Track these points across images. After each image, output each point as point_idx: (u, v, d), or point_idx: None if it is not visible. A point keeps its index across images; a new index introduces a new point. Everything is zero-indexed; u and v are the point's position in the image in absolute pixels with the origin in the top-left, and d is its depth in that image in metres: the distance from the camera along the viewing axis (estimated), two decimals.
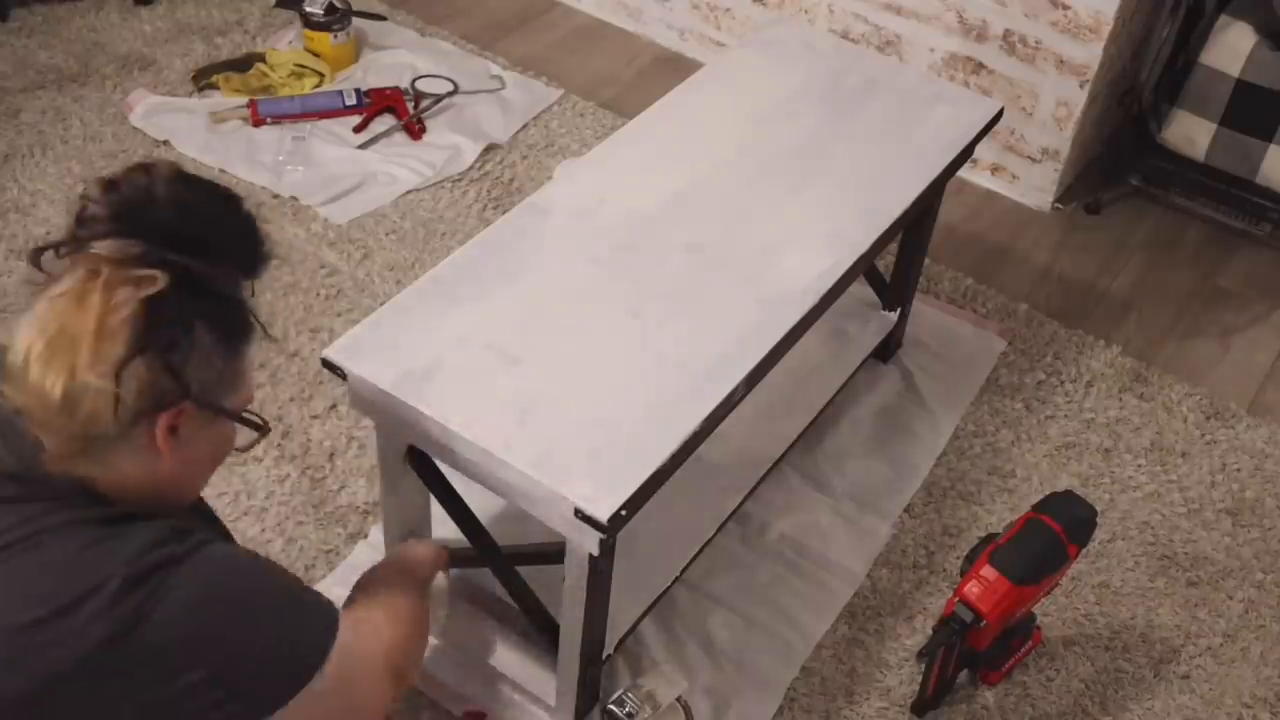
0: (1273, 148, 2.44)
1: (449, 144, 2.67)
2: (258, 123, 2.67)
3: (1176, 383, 2.31)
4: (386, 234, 2.46)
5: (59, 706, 1.06)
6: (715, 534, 1.86)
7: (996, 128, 2.21)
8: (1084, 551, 1.94)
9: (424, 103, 2.76)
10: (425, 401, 1.45)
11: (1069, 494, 1.75)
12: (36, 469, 1.12)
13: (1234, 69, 2.41)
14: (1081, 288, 2.52)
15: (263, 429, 1.22)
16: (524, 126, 2.75)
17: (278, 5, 3.01)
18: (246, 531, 1.93)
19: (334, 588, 1.86)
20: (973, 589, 1.66)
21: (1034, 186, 2.69)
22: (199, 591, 1.10)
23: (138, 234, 1.10)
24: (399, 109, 2.72)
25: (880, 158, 1.88)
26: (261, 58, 2.82)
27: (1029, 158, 2.65)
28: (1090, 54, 2.46)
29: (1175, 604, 1.97)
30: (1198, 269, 2.59)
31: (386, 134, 2.68)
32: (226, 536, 1.39)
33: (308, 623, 1.19)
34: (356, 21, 2.89)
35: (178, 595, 1.08)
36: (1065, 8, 2.43)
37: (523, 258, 1.65)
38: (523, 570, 1.69)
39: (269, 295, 2.31)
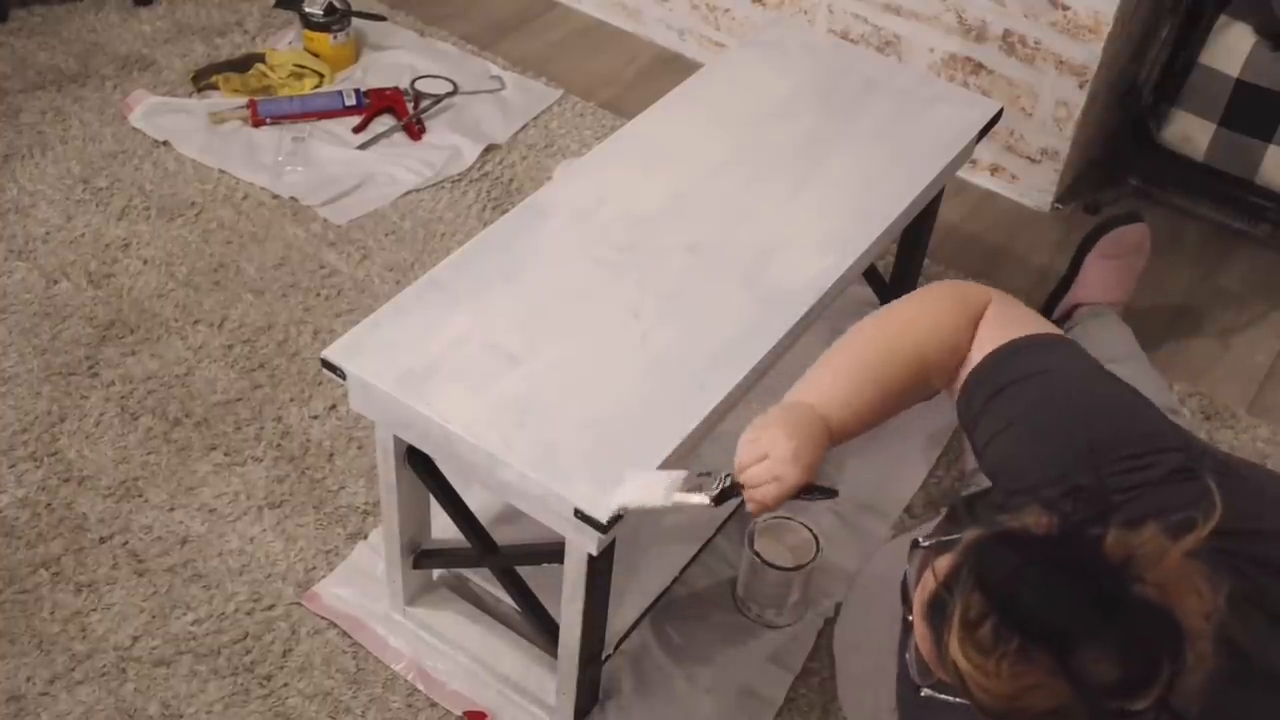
0: (1272, 148, 2.44)
1: (449, 144, 2.67)
2: (257, 123, 2.67)
3: (1176, 382, 2.31)
4: (386, 234, 2.46)
5: None
6: (715, 534, 1.86)
7: (996, 128, 2.21)
8: None
9: (424, 103, 2.76)
10: (425, 401, 1.45)
11: None
12: None
13: (1234, 69, 2.41)
14: None
15: None
16: (524, 127, 2.76)
17: (277, 5, 3.01)
18: (247, 531, 1.93)
19: (334, 587, 1.86)
20: None
21: (1034, 187, 2.68)
22: None
23: None
24: (399, 109, 2.72)
25: (879, 158, 1.88)
26: (261, 58, 2.82)
27: (1028, 158, 2.65)
28: (1090, 54, 2.46)
29: None
30: (1198, 269, 2.59)
31: (386, 134, 2.68)
32: None
33: None
34: (356, 22, 2.89)
35: None
36: (1065, 8, 2.43)
37: (522, 258, 1.65)
38: (523, 570, 1.69)
39: (269, 295, 2.31)
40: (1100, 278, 2.23)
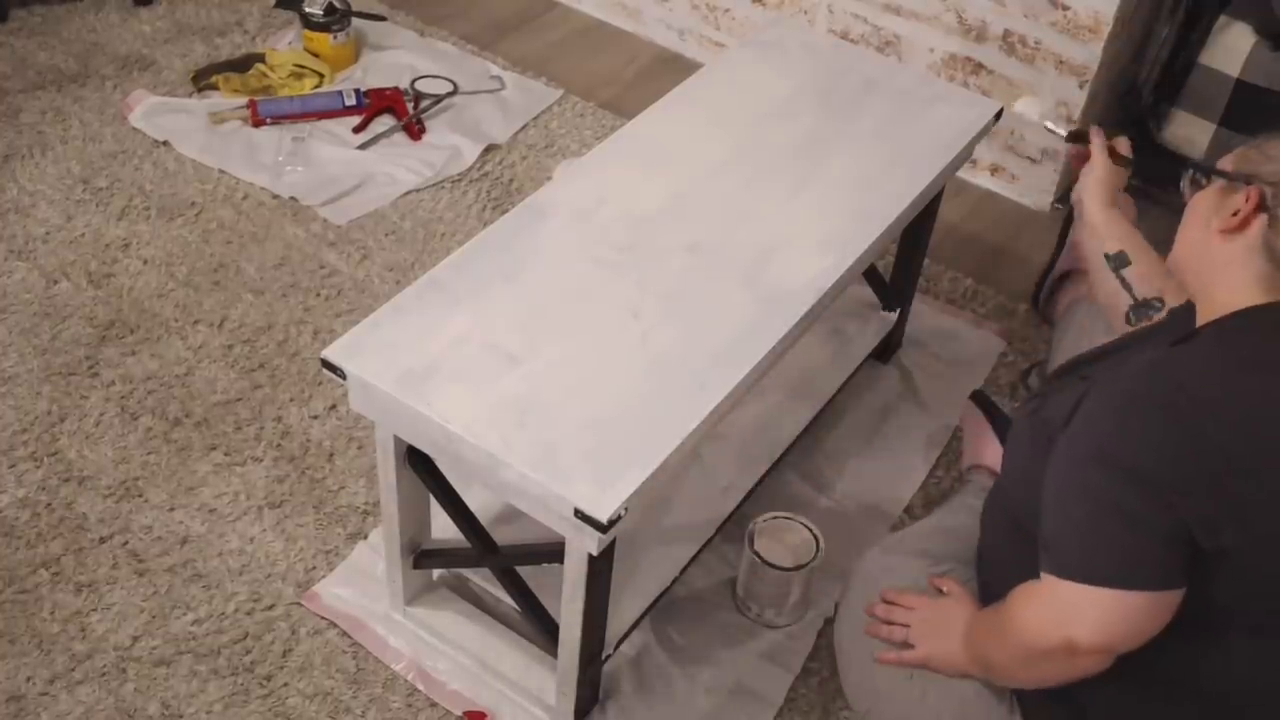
0: None
1: (449, 144, 2.67)
2: (257, 123, 2.67)
3: None
4: (386, 234, 2.46)
5: None
6: (715, 534, 1.86)
7: (996, 128, 2.21)
8: None
9: (424, 103, 2.76)
10: (425, 401, 1.45)
11: None
12: None
13: (1234, 69, 2.41)
14: None
15: None
16: (524, 127, 2.76)
17: (277, 5, 3.01)
18: (247, 531, 1.93)
19: (334, 587, 1.86)
20: None
21: (1034, 187, 2.69)
22: None
23: None
24: (399, 109, 2.72)
25: (879, 158, 1.88)
26: (261, 58, 2.82)
27: (1028, 158, 2.65)
28: (1090, 54, 2.46)
29: None
30: None
31: (386, 134, 2.68)
32: None
33: None
34: (356, 22, 2.89)
35: None
36: (1065, 8, 2.43)
37: (522, 258, 1.65)
38: (523, 570, 1.69)
39: (268, 295, 2.31)
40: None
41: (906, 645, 1.54)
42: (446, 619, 1.81)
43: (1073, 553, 1.27)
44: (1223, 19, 2.42)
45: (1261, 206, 1.28)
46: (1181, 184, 1.42)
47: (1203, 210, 1.37)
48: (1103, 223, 1.76)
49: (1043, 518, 1.32)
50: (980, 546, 1.62)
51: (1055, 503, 1.31)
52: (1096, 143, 1.79)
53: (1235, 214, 1.30)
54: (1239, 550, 1.24)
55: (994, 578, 1.56)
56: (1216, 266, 1.33)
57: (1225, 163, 1.36)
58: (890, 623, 1.57)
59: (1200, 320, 1.35)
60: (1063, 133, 1.88)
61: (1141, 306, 1.68)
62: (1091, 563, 1.25)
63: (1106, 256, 1.73)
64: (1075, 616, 1.27)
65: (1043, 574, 1.30)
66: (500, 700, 1.75)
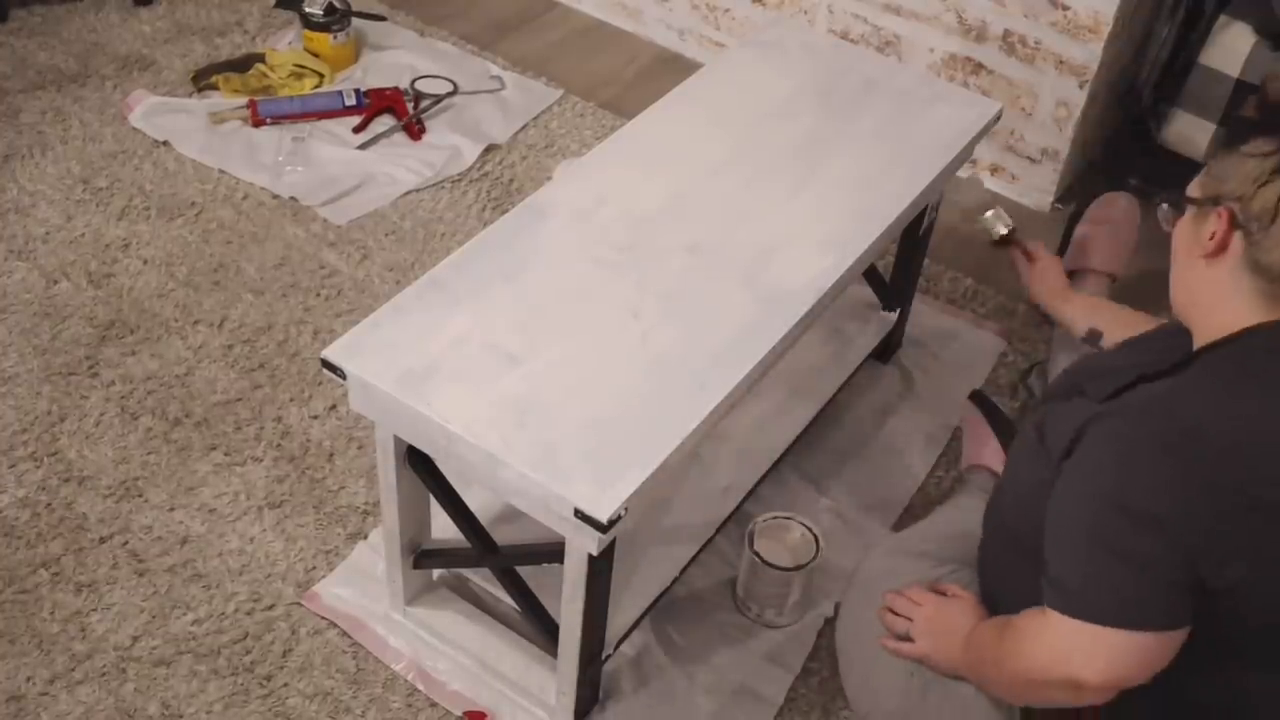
0: None
1: (449, 144, 2.67)
2: (257, 123, 2.67)
3: None
4: (386, 234, 2.46)
5: None
6: (715, 534, 1.86)
7: (996, 128, 2.21)
8: None
9: (424, 103, 2.76)
10: (425, 402, 1.45)
11: None
12: None
13: (1234, 69, 2.41)
14: None
15: None
16: (524, 127, 2.76)
17: (277, 6, 3.01)
18: (247, 531, 1.93)
19: (334, 587, 1.86)
20: None
21: (1034, 187, 2.69)
22: None
23: None
24: (399, 109, 2.72)
25: (879, 158, 1.88)
26: (261, 58, 2.82)
27: (1029, 158, 2.65)
28: (1090, 54, 2.46)
29: None
30: None
31: (386, 134, 2.68)
32: None
33: None
34: (356, 22, 2.89)
35: None
36: (1065, 8, 2.43)
37: (522, 258, 1.65)
38: (523, 570, 1.69)
39: (269, 295, 2.31)
40: (1089, 244, 2.25)
41: (907, 638, 1.55)
42: (446, 619, 1.81)
43: (1079, 592, 1.27)
44: (1223, 19, 2.42)
45: (1235, 224, 1.28)
46: (1159, 217, 1.41)
47: (1183, 243, 1.37)
48: (1064, 312, 1.95)
49: (1047, 553, 1.32)
50: (980, 553, 1.62)
51: (1060, 541, 1.31)
52: (1030, 247, 2.07)
53: (1212, 237, 1.30)
54: (1248, 583, 1.24)
55: (994, 583, 1.56)
56: (1210, 293, 1.32)
57: (1193, 189, 1.36)
58: (894, 613, 1.57)
59: (1200, 344, 1.34)
60: (1002, 232, 2.11)
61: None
62: (1098, 603, 1.26)
63: (1082, 340, 1.86)
64: (1080, 654, 1.27)
65: (1047, 608, 1.30)
66: (500, 700, 1.75)
